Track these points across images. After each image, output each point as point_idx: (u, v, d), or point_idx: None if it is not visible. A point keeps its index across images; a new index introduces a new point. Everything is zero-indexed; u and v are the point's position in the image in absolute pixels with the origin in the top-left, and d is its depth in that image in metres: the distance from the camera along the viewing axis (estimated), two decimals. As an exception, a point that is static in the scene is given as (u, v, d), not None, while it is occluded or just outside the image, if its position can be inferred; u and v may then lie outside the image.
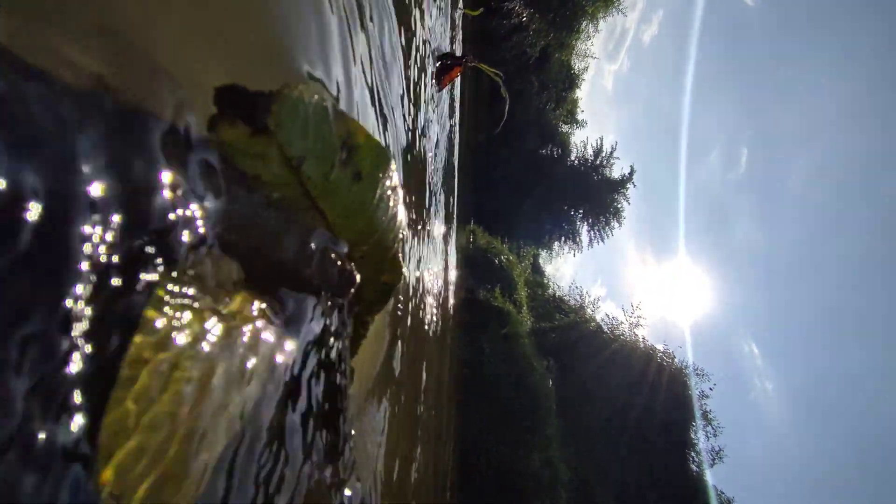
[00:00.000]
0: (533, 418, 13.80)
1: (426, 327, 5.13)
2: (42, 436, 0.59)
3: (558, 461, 14.22)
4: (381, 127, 2.31)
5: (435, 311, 6.06)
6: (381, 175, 1.17)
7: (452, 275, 10.12)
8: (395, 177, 1.24)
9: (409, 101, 3.70)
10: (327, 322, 1.35)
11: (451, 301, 9.59)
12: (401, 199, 1.32)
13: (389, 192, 1.23)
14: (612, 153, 26.45)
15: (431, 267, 5.72)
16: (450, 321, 9.04)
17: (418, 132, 4.36)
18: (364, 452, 2.27)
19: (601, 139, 26.96)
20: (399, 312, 3.24)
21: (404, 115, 3.36)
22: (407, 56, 3.63)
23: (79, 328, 0.64)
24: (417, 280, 4.33)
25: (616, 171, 26.59)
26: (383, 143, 2.32)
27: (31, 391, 0.58)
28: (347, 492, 1.77)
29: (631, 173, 26.12)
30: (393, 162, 1.21)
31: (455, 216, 10.97)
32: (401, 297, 3.25)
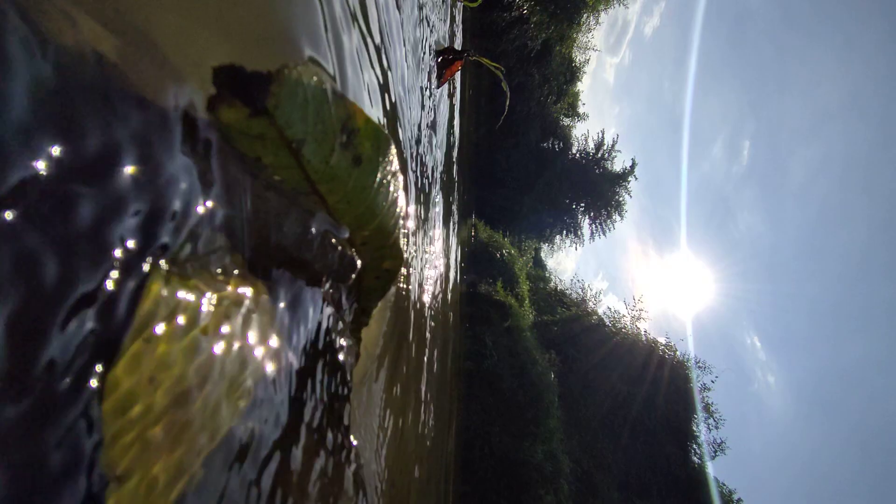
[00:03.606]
0: (535, 411, 13.87)
1: (428, 319, 5.14)
2: (41, 422, 0.59)
3: (561, 453, 14.30)
4: (380, 120, 2.30)
5: (437, 303, 6.06)
6: (381, 159, 1.17)
7: (454, 268, 10.12)
8: (395, 161, 1.24)
9: (409, 96, 3.68)
10: (328, 308, 1.35)
11: (453, 294, 9.60)
12: (401, 185, 1.31)
13: (390, 177, 1.23)
14: (613, 146, 26.39)
15: (433, 259, 5.72)
16: (451, 314, 9.05)
17: (418, 127, 4.34)
18: (365, 440, 2.28)
19: (602, 132, 26.90)
20: (401, 303, 3.25)
21: (404, 111, 3.34)
22: (407, 49, 3.61)
23: (73, 315, 0.64)
24: (419, 271, 4.34)
25: (618, 165, 26.59)
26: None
27: (31, 374, 0.58)
28: (350, 478, 1.78)
29: (632, 166, 26.07)
30: (393, 146, 1.20)
31: (456, 209, 10.95)
32: (402, 289, 3.26)
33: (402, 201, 1.35)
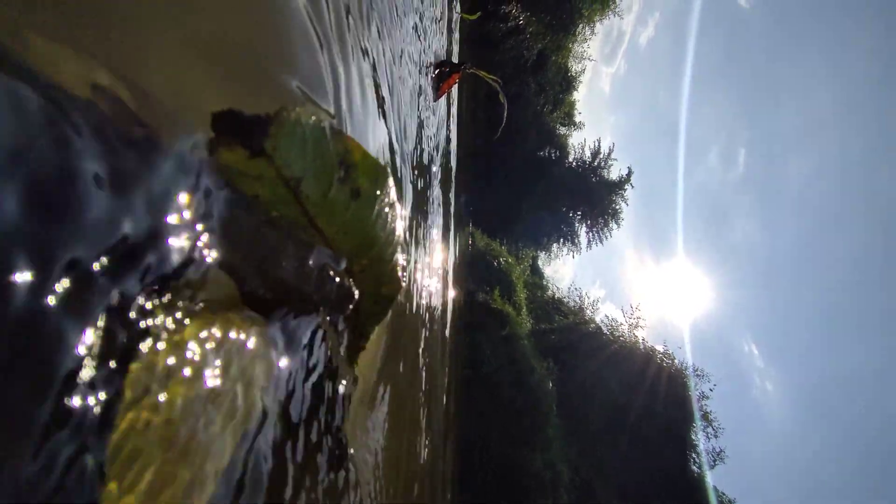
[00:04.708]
0: (534, 419, 13.83)
1: (425, 331, 5.14)
2: (46, 459, 0.59)
3: (560, 461, 14.24)
4: (378, 139, 2.32)
5: (434, 313, 6.06)
6: (378, 192, 1.18)
7: (451, 278, 10.13)
8: (392, 193, 1.25)
9: (408, 110, 3.71)
10: (327, 337, 1.35)
11: (451, 304, 9.60)
12: (399, 214, 1.33)
13: (387, 209, 1.24)
14: (609, 155, 26.54)
15: (430, 272, 5.72)
16: (449, 323, 9.05)
17: (416, 140, 4.37)
18: (364, 460, 2.27)
19: (599, 141, 27.06)
20: (398, 317, 3.25)
21: (403, 125, 3.37)
22: (404, 65, 3.65)
23: (78, 351, 0.64)
24: (417, 286, 4.34)
25: (614, 173, 26.72)
26: (382, 154, 2.33)
27: (34, 413, 0.58)
28: (349, 501, 1.77)
29: (629, 175, 26.21)
30: (390, 178, 1.22)
31: (453, 218, 10.99)
32: (400, 302, 3.26)
33: (399, 230, 1.37)
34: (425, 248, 5.15)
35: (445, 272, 8.34)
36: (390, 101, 2.83)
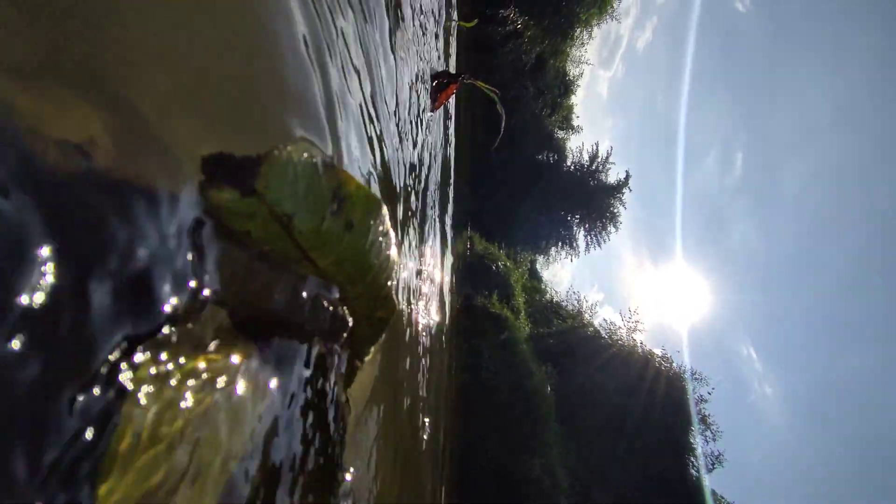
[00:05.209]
0: (532, 423, 13.83)
1: (423, 339, 5.12)
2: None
3: (558, 466, 14.22)
4: (373, 160, 2.31)
5: (432, 320, 6.05)
6: (372, 222, 1.17)
7: (449, 282, 10.12)
8: (387, 221, 1.25)
9: (404, 123, 3.71)
10: (321, 365, 1.35)
11: (448, 311, 9.58)
12: (393, 242, 1.32)
13: (381, 238, 1.24)
14: (607, 158, 26.62)
15: (427, 280, 5.71)
16: (447, 329, 9.03)
17: (414, 151, 4.37)
18: (361, 479, 2.26)
19: (597, 145, 27.16)
20: (395, 329, 3.24)
21: (400, 138, 3.36)
22: (401, 79, 3.65)
23: (68, 390, 0.63)
24: (412, 298, 4.33)
25: (612, 177, 26.81)
26: (377, 174, 2.32)
27: (23, 456, 0.57)
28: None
29: (626, 178, 26.28)
30: (384, 207, 1.21)
31: (451, 223, 10.99)
32: (396, 318, 3.25)
33: (394, 257, 1.36)
34: (422, 254, 5.15)
35: (442, 278, 8.34)
36: (387, 116, 2.83)
